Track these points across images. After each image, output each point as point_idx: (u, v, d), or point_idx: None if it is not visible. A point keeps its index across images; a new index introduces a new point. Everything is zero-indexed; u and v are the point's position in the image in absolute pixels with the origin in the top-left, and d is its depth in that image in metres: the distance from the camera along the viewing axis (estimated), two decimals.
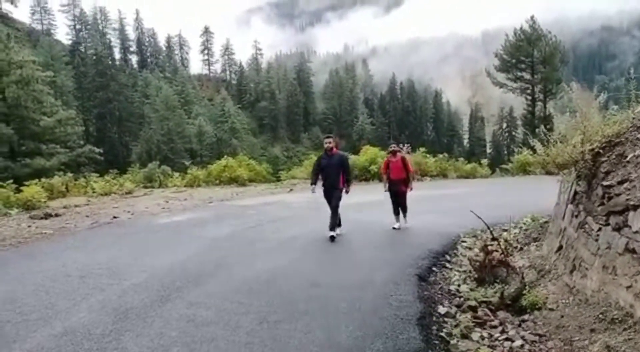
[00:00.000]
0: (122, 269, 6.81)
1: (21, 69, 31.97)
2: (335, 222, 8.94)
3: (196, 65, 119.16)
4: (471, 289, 6.01)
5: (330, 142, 9.09)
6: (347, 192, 9.08)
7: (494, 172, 28.40)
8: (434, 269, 6.89)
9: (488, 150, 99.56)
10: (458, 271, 6.97)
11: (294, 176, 24.64)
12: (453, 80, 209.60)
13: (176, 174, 23.96)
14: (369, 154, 22.47)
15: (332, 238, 8.66)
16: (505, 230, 8.94)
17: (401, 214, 9.92)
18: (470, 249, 8.11)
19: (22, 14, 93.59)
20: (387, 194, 10.02)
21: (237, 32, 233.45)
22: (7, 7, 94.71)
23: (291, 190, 19.20)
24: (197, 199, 16.65)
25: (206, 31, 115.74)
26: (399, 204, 9.88)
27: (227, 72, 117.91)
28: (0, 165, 28.88)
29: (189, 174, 22.65)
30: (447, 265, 7.24)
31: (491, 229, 7.53)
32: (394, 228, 9.58)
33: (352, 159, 22.47)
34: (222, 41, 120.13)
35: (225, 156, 25.20)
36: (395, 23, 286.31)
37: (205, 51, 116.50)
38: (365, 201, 13.89)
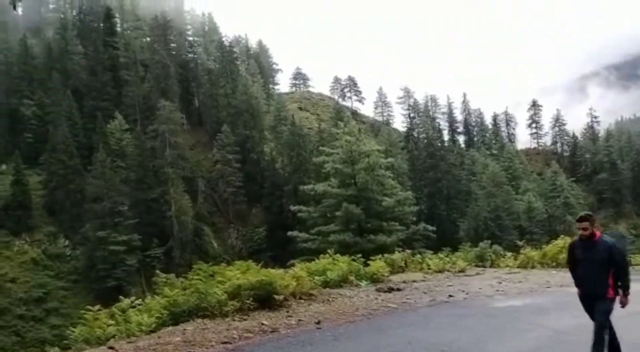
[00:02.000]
0: None
1: (368, 158, 37.17)
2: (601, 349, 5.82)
3: (524, 140, 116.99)
4: None
5: (585, 228, 5.81)
6: (622, 304, 5.78)
7: None
8: None
9: None
10: None
11: None
12: None
13: (508, 254, 23.22)
14: None
15: None
16: None
17: None
18: None
19: (367, 109, 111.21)
20: None
21: (569, 102, 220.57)
22: (356, 104, 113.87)
23: None
24: (532, 282, 15.64)
25: (534, 105, 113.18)
26: None
27: (558, 144, 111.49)
28: (351, 241, 33.47)
29: (522, 254, 21.61)
30: None
31: None
32: None
33: None
34: (552, 113, 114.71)
35: (562, 236, 23.21)
36: None
37: (533, 125, 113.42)
38: None
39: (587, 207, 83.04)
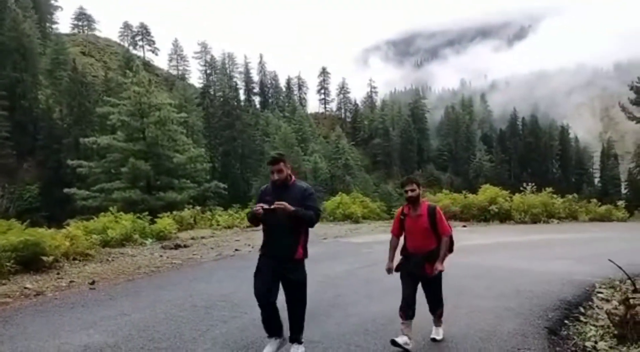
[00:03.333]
0: (243, 303, 7.06)
1: (159, 111, 35.41)
2: (300, 330, 4.86)
3: (313, 104, 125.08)
4: (610, 347, 5.37)
5: (281, 171, 4.65)
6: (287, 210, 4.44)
7: (632, 215, 25.71)
8: (565, 322, 6.28)
9: (623, 191, 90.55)
10: (594, 325, 6.27)
11: None
12: (582, 115, 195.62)
13: None
14: (488, 193, 21.50)
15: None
16: None
17: (433, 318, 5.44)
18: (607, 301, 7.32)
19: (161, 61, 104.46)
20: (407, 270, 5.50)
21: (354, 71, 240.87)
22: (149, 55, 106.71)
23: None
24: (312, 234, 16.93)
25: (323, 72, 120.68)
26: (428, 297, 5.35)
27: (342, 110, 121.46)
28: (138, 198, 31.87)
29: None
30: (581, 318, 6.55)
31: (633, 279, 6.75)
32: (395, 344, 4.99)
33: (470, 198, 21.53)
34: (339, 81, 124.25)
35: (340, 193, 25.56)
36: (517, 56, 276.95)
37: (322, 91, 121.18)
38: (484, 243, 13.23)
39: (363, 168, 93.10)
